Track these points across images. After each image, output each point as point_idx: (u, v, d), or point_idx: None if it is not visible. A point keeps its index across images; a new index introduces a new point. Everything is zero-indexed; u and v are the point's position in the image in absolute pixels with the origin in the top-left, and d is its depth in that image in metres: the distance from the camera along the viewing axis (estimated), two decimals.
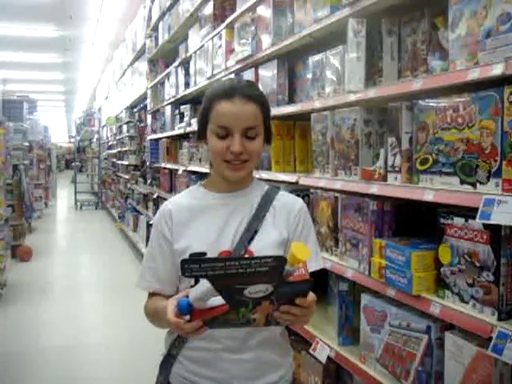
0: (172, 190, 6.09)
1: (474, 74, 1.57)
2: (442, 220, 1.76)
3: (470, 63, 1.66)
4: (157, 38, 7.07)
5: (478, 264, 1.62)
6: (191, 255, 1.45)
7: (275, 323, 1.31)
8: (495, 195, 1.49)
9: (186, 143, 5.46)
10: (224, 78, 3.70)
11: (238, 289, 1.18)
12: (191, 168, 5.00)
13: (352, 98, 2.23)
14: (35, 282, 6.63)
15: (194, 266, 1.14)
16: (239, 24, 3.63)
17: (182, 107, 5.61)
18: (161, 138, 6.84)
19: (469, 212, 1.62)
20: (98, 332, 4.96)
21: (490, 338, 1.50)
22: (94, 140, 18.40)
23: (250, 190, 1.60)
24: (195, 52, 4.91)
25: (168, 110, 6.31)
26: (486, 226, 1.57)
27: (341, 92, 2.39)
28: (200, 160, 4.76)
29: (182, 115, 5.65)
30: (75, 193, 15.22)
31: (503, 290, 1.55)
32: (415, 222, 2.14)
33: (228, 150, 1.46)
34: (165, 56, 6.98)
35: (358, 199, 2.21)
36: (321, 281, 2.41)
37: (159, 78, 6.94)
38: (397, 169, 1.98)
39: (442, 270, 1.77)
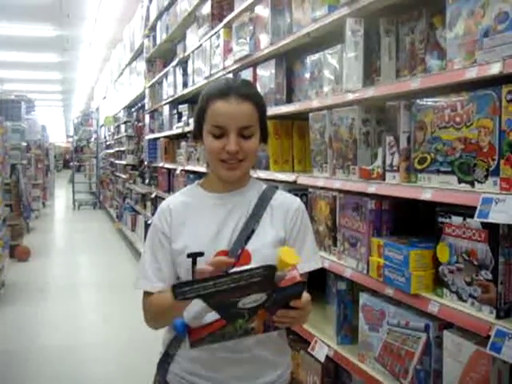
0: (170, 189, 6.09)
1: (472, 73, 1.57)
2: (440, 219, 1.76)
3: (467, 62, 1.66)
4: (155, 38, 7.06)
5: (476, 263, 1.62)
6: (189, 255, 1.45)
7: (274, 328, 1.31)
8: (493, 194, 1.49)
9: (183, 143, 5.46)
10: (221, 78, 3.70)
11: (232, 302, 1.17)
12: (189, 167, 5.00)
13: (350, 97, 2.23)
14: (33, 282, 6.62)
15: (186, 288, 1.13)
16: (237, 23, 3.63)
17: (180, 107, 5.61)
18: (159, 138, 6.84)
19: (467, 211, 1.62)
20: (96, 331, 4.96)
21: (489, 337, 1.50)
22: (92, 140, 18.40)
23: (247, 189, 1.59)
24: (193, 51, 4.91)
25: (166, 109, 6.31)
26: (484, 224, 1.57)
27: (339, 91, 2.39)
28: (198, 160, 4.76)
29: (179, 115, 5.65)
30: (73, 192, 15.20)
31: (501, 289, 1.56)
32: (413, 221, 2.15)
33: (224, 150, 1.46)
34: (163, 55, 6.98)
35: (356, 198, 2.21)
36: (319, 280, 2.41)
37: (157, 77, 6.94)
38: (395, 168, 1.98)
39: (440, 268, 1.78)
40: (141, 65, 8.23)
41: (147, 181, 7.67)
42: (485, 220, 1.49)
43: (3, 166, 6.89)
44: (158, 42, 6.73)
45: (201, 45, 4.62)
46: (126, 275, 6.84)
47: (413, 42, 2.06)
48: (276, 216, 1.55)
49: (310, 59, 2.69)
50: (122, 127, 11.14)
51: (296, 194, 1.69)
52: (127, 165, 10.10)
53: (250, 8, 3.39)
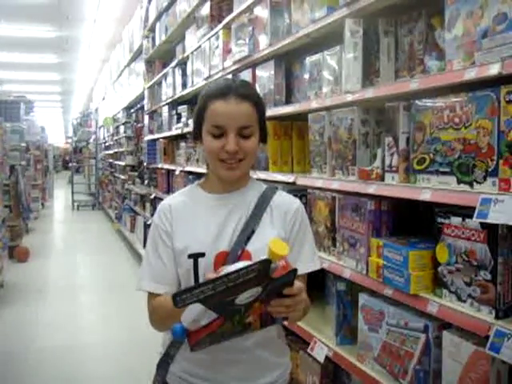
0: (169, 190, 6.09)
1: (471, 74, 1.57)
2: (440, 219, 1.76)
3: (466, 63, 1.66)
4: (154, 39, 7.07)
5: (475, 263, 1.62)
6: (189, 256, 1.46)
7: (271, 322, 1.32)
8: (492, 194, 1.49)
9: (183, 144, 5.46)
10: (220, 78, 3.70)
11: (229, 300, 1.18)
12: (188, 168, 5.00)
13: (349, 98, 2.24)
14: (33, 283, 6.62)
15: (185, 295, 1.14)
16: (236, 24, 3.63)
17: (179, 108, 5.61)
18: (158, 139, 6.84)
19: (466, 211, 1.63)
20: (95, 332, 4.95)
21: (488, 337, 1.51)
22: (91, 141, 18.36)
23: (246, 189, 1.60)
24: (192, 52, 4.91)
25: (165, 110, 6.31)
26: (483, 225, 1.58)
27: (338, 92, 2.39)
28: (197, 160, 4.76)
29: (179, 116, 5.65)
30: (72, 193, 15.18)
31: (500, 289, 1.56)
32: (412, 222, 2.15)
33: (223, 150, 1.46)
34: (162, 56, 6.98)
35: (355, 199, 2.22)
36: (318, 280, 2.41)
37: (156, 78, 6.94)
38: (394, 169, 1.98)
39: (439, 269, 1.78)
40: (140, 66, 8.23)
41: (146, 182, 7.67)
42: (484, 220, 1.49)
43: (2, 167, 6.89)
44: (157, 42, 6.73)
45: (200, 46, 4.62)
46: (125, 276, 6.85)
47: (412, 42, 2.07)
48: (276, 216, 1.56)
49: (309, 60, 2.69)
50: (121, 128, 11.14)
51: (295, 195, 1.69)
52: (126, 166, 10.09)
53: (249, 9, 3.40)
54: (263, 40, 3.16)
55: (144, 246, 7.27)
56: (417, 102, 1.87)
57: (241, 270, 1.15)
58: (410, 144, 1.92)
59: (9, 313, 5.45)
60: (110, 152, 13.60)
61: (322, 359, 2.39)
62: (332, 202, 2.43)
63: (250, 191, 1.59)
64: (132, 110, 9.90)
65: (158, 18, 6.61)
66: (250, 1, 3.33)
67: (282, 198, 1.61)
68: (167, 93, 6.14)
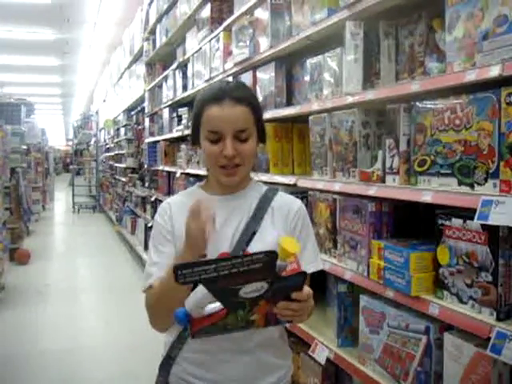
0: (170, 192, 6.09)
1: (471, 76, 1.58)
2: (440, 221, 1.76)
3: (467, 65, 1.67)
4: (154, 41, 7.08)
5: (476, 265, 1.62)
6: None
7: (275, 322, 1.32)
8: (493, 196, 1.50)
9: (183, 146, 5.46)
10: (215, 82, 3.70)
11: (233, 290, 1.18)
12: (189, 170, 5.00)
13: (350, 100, 2.24)
14: (33, 285, 6.62)
15: (187, 270, 1.14)
16: (237, 27, 3.64)
17: (180, 110, 5.61)
18: (158, 141, 6.85)
19: (467, 213, 1.63)
20: (96, 334, 4.95)
21: (489, 339, 1.50)
22: (92, 143, 18.39)
23: (247, 191, 1.60)
24: (193, 55, 4.92)
25: (166, 112, 6.31)
26: (483, 226, 1.58)
27: (339, 94, 2.39)
28: (198, 162, 4.76)
29: (179, 118, 5.65)
30: (73, 196, 15.20)
31: (501, 291, 1.56)
32: (413, 224, 2.15)
33: (221, 155, 1.46)
34: (162, 59, 6.99)
35: (356, 201, 2.22)
36: (319, 282, 2.41)
37: (157, 80, 6.94)
38: (395, 170, 1.98)
39: (440, 270, 1.78)
40: (140, 68, 8.24)
41: (147, 184, 7.67)
42: (485, 222, 1.49)
43: (3, 170, 6.89)
44: (158, 45, 6.74)
45: (200, 48, 4.62)
46: (125, 278, 6.85)
47: (412, 44, 2.07)
48: (277, 217, 1.56)
49: (310, 62, 2.70)
50: (122, 130, 11.15)
51: (296, 197, 1.69)
52: (127, 168, 10.10)
53: (250, 11, 3.40)
54: (264, 42, 3.16)
55: (145, 248, 7.27)
56: (417, 103, 1.87)
57: (246, 256, 1.15)
58: (410, 146, 1.92)
59: (9, 315, 5.45)
60: (111, 154, 13.61)
61: (323, 361, 2.39)
62: (333, 203, 2.43)
63: (251, 193, 1.60)
64: (132, 113, 9.91)
65: (159, 20, 6.62)
66: (251, 3, 3.33)
67: (283, 199, 1.61)
68: (168, 95, 6.14)
